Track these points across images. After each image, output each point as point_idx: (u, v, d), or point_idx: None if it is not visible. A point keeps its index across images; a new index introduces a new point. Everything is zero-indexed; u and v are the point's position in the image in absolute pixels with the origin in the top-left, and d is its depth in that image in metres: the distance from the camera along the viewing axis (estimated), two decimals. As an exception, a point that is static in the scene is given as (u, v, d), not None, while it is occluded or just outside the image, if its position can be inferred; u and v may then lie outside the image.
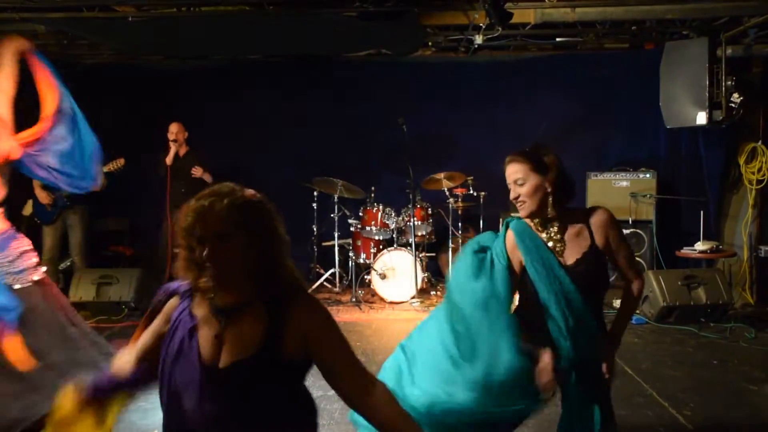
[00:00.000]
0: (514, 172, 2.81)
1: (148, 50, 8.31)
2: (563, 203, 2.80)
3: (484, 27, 7.00)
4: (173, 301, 2.10)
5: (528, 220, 2.85)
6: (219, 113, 8.62)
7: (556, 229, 2.79)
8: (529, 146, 2.85)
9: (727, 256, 7.53)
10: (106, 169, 7.29)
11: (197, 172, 7.53)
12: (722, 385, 4.95)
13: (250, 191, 1.98)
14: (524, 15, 6.73)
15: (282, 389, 1.95)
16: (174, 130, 7.70)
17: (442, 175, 7.93)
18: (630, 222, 8.10)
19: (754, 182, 7.90)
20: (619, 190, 8.17)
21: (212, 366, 1.92)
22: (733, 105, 7.12)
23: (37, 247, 7.63)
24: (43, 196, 7.39)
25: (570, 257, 2.75)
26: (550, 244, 2.78)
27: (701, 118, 7.22)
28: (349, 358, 2.04)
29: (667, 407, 4.44)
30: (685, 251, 7.31)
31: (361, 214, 8.08)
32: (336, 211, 8.04)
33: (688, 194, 8.22)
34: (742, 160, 7.98)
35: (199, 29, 6.99)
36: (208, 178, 7.54)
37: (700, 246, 7.22)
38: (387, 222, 7.95)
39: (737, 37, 7.33)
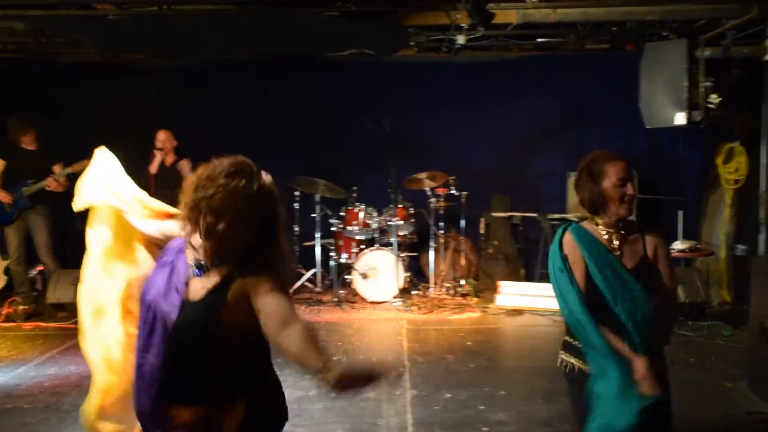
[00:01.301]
0: (625, 169, 2.83)
1: (128, 48, 8.27)
2: None
3: (466, 27, 7.03)
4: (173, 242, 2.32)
5: (588, 225, 2.90)
6: (200, 112, 8.56)
7: (620, 234, 2.85)
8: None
9: (704, 255, 7.61)
10: (70, 170, 7.19)
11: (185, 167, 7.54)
12: (700, 382, 5.00)
13: (268, 178, 2.17)
14: (506, 15, 6.76)
15: (210, 336, 2.13)
16: (162, 138, 7.63)
17: (424, 175, 7.95)
18: (610, 222, 8.15)
19: (732, 182, 7.98)
20: (600, 190, 8.21)
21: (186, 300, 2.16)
22: (711, 106, 7.18)
23: (3, 247, 7.65)
24: (2, 196, 7.30)
25: (629, 261, 2.82)
26: (611, 246, 2.85)
27: (680, 119, 7.27)
28: (276, 302, 2.10)
29: (645, 405, 4.48)
30: (665, 250, 7.37)
31: (342, 213, 8.08)
32: (318, 211, 8.03)
33: (667, 194, 8.30)
34: (719, 161, 8.06)
35: (181, 28, 6.96)
36: None
37: (678, 245, 7.29)
38: (369, 222, 7.95)
39: (716, 38, 7.40)
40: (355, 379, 1.90)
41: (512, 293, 7.47)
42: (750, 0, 6.40)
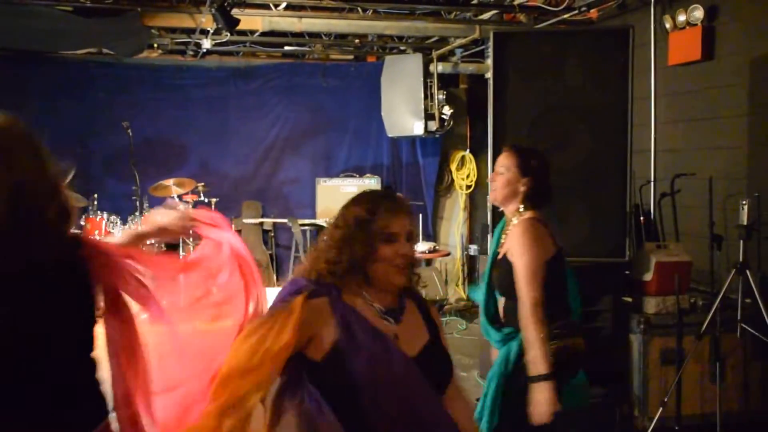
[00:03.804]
0: (502, 159, 2.95)
1: None
2: (532, 208, 2.91)
3: (211, 31, 6.93)
4: (321, 303, 1.91)
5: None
6: None
7: (510, 227, 2.93)
8: (525, 146, 3.00)
9: (443, 256, 8.21)
10: None
11: None
12: (438, 373, 5.39)
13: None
14: (252, 22, 6.78)
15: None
16: None
17: (171, 182, 7.68)
18: (357, 226, 8.49)
19: (464, 187, 8.72)
20: (347, 196, 8.20)
21: (411, 358, 1.93)
22: (444, 117, 7.80)
23: None
24: None
25: (501, 254, 2.93)
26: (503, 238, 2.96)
27: (418, 128, 7.82)
28: None
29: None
30: (407, 252, 7.84)
31: (82, 223, 7.56)
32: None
33: (408, 198, 8.79)
34: (453, 167, 8.77)
35: None
36: None
37: (419, 247, 7.79)
38: (112, 231, 7.52)
39: (447, 55, 8.05)
40: None
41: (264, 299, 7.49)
42: (473, 21, 7.05)
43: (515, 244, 2.80)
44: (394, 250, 1.93)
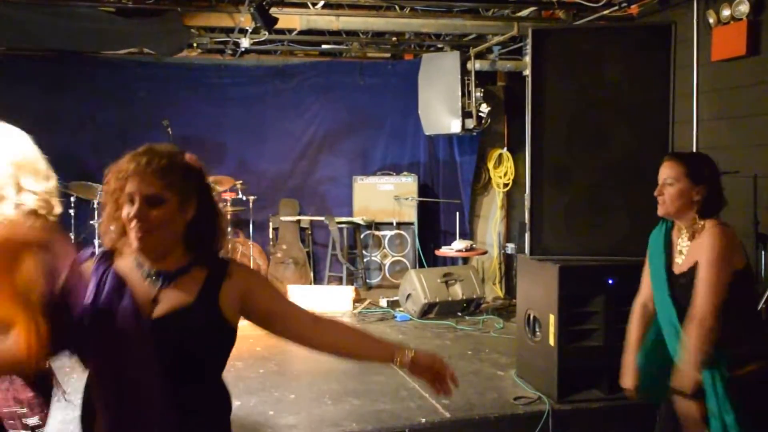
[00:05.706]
0: (667, 170, 2.84)
1: None
2: (708, 216, 2.81)
3: (250, 30, 6.99)
4: (87, 264, 1.94)
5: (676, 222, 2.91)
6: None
7: (687, 237, 2.84)
8: (689, 153, 2.88)
9: (479, 254, 8.17)
10: None
11: None
12: (475, 372, 5.36)
13: (189, 155, 1.98)
14: (290, 21, 6.82)
15: (215, 341, 1.96)
16: None
17: (209, 180, 7.75)
18: (394, 224, 8.50)
19: (501, 185, 8.66)
20: (384, 194, 8.54)
21: (148, 318, 1.85)
22: (482, 114, 7.75)
23: None
24: None
25: (683, 267, 2.82)
26: (678, 249, 2.86)
27: (455, 126, 7.78)
28: (289, 302, 2.13)
29: (427, 398, 4.71)
30: (444, 250, 7.83)
31: (123, 220, 7.69)
32: (97, 218, 7.56)
33: (445, 197, 8.80)
34: (491, 165, 8.71)
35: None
36: None
37: (456, 245, 7.76)
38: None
39: (484, 52, 7.99)
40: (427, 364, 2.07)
41: (301, 297, 7.53)
42: (511, 19, 6.99)
43: (709, 251, 2.71)
44: (128, 212, 1.83)
